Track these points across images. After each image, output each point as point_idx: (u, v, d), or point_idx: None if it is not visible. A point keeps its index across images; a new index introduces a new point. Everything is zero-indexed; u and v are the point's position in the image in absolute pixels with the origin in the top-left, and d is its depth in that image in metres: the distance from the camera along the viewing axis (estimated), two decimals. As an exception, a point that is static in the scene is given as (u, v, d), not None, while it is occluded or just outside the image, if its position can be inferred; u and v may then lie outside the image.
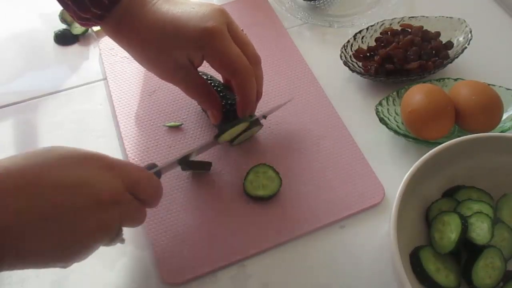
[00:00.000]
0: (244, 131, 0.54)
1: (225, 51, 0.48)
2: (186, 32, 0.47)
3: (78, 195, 0.36)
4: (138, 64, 0.52)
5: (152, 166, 0.48)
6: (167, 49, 0.49)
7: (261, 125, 0.56)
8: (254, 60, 0.51)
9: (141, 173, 0.42)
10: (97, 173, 0.38)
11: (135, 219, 0.42)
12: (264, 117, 0.56)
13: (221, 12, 0.49)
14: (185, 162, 0.52)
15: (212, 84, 0.57)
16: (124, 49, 0.52)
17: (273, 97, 0.61)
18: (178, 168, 0.52)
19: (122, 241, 0.42)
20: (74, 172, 0.36)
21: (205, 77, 0.58)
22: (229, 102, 0.55)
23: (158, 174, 0.48)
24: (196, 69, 0.52)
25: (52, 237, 0.35)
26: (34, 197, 0.34)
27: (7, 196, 0.33)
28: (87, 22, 0.50)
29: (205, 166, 0.54)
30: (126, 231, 0.50)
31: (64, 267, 0.38)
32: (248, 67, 0.49)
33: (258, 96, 0.53)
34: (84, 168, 0.37)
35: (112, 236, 0.40)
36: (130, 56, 0.52)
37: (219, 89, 0.56)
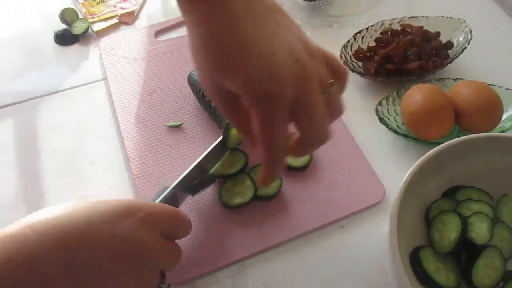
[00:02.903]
0: None
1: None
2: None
3: (122, 255, 0.37)
4: (138, 64, 0.51)
5: (164, 189, 0.48)
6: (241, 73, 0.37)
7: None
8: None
9: (175, 217, 0.42)
10: (136, 228, 0.38)
11: (173, 261, 0.42)
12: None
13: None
14: (190, 188, 0.51)
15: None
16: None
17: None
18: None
19: (168, 286, 0.42)
20: (118, 230, 0.37)
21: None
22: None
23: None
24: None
25: None
26: (84, 264, 0.35)
27: (65, 256, 0.34)
28: None
29: (208, 182, 0.52)
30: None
31: None
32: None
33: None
34: (125, 223, 0.38)
35: (156, 285, 0.40)
36: (130, 56, 0.51)
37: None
